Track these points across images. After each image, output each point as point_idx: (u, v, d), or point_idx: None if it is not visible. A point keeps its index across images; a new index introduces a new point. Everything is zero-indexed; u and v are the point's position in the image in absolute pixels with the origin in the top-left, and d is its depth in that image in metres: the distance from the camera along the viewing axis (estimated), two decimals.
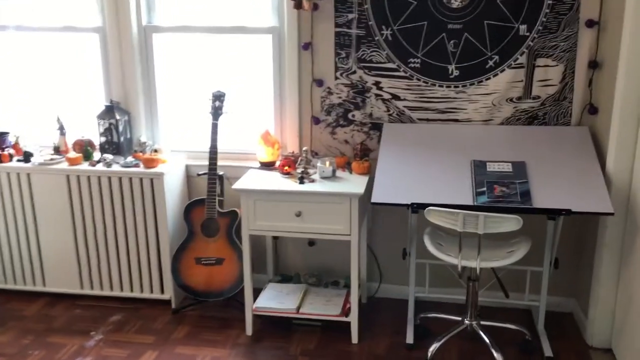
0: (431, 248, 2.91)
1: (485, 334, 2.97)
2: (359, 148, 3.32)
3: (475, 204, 2.79)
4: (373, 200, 2.87)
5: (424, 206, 2.79)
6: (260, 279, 3.66)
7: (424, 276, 3.36)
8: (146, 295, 3.56)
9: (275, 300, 3.32)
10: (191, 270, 3.41)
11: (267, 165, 3.38)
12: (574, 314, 3.43)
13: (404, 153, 3.15)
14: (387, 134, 3.29)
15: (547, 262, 3.11)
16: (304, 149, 3.18)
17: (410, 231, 3.15)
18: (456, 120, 3.31)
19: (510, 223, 2.63)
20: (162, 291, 3.55)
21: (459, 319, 3.07)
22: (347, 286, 3.49)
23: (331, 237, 3.05)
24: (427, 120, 3.34)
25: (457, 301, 3.37)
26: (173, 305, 3.54)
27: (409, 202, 2.83)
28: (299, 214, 3.03)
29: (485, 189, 2.85)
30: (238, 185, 3.09)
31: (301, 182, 3.08)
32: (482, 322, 3.03)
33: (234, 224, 3.36)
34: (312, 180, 3.11)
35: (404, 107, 3.34)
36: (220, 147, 3.40)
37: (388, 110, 3.36)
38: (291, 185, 3.07)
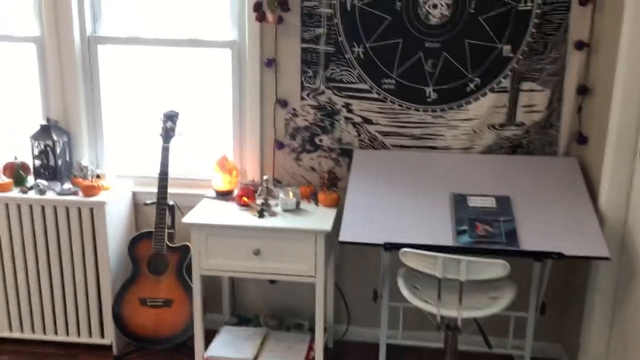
0: (406, 292, 2.58)
1: None
2: (326, 177, 2.98)
3: (456, 244, 2.47)
4: (341, 239, 2.53)
5: (398, 246, 2.46)
6: (215, 320, 3.28)
7: (397, 319, 3.03)
8: (84, 339, 3.14)
9: (231, 347, 2.94)
10: (135, 312, 3.02)
11: (224, 195, 3.02)
12: None
13: (376, 183, 2.82)
14: (358, 161, 2.97)
15: (532, 308, 2.81)
16: (265, 177, 2.83)
17: (383, 271, 2.82)
18: (433, 148, 3.01)
19: (495, 269, 2.32)
20: (102, 335, 3.13)
21: None
22: (312, 329, 3.13)
23: (294, 279, 2.70)
24: (402, 146, 3.03)
25: (433, 346, 3.04)
26: (115, 352, 3.13)
27: (382, 242, 2.50)
28: (257, 252, 2.67)
29: (466, 227, 2.54)
30: (189, 218, 2.72)
31: (261, 216, 2.72)
32: None
33: (184, 260, 2.98)
34: (274, 214, 2.76)
35: (377, 132, 3.03)
36: (172, 173, 3.04)
37: (359, 135, 3.04)
38: (249, 219, 2.71)
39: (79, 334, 3.14)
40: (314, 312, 2.81)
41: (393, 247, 2.49)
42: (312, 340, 3.01)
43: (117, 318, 3.03)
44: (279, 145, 3.09)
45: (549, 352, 3.16)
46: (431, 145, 3.01)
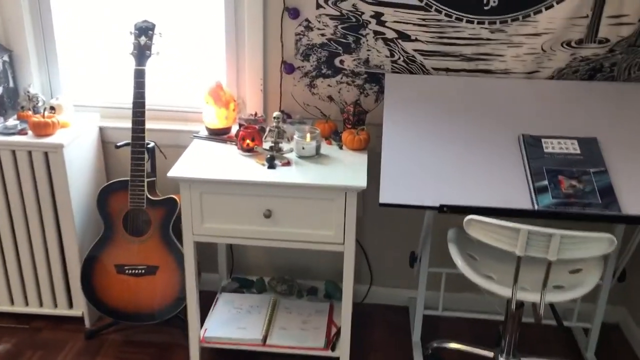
0: (461, 263, 2.00)
1: None
2: (351, 110, 2.31)
3: (537, 208, 1.86)
4: (383, 200, 1.90)
5: (458, 209, 1.86)
6: (210, 281, 2.72)
7: (434, 284, 2.49)
8: (48, 310, 2.54)
9: (232, 324, 2.38)
10: (111, 282, 2.41)
11: (218, 134, 2.35)
12: (622, 327, 2.65)
13: (418, 120, 2.17)
14: (392, 89, 2.29)
15: (609, 274, 2.27)
16: (275, 114, 2.14)
17: (424, 233, 2.23)
18: (488, 72, 2.34)
19: (599, 245, 1.73)
20: (71, 305, 2.54)
21: (490, 355, 2.22)
22: (330, 296, 2.59)
23: (316, 247, 2.09)
24: (447, 70, 2.35)
25: (478, 318, 2.53)
26: (87, 324, 2.55)
27: (437, 204, 1.88)
28: (268, 215, 2.04)
29: (546, 182, 1.92)
30: (176, 170, 2.05)
31: (271, 166, 2.07)
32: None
33: (171, 217, 2.35)
34: (287, 162, 2.11)
35: (415, 50, 2.33)
36: (150, 103, 2.34)
37: (392, 55, 2.35)
38: (256, 170, 2.06)
39: (40, 304, 2.54)
40: (331, 273, 2.27)
41: (451, 210, 1.88)
42: (332, 312, 2.47)
43: (88, 289, 2.42)
44: (288, 68, 2.39)
45: (610, 316, 2.66)
46: (485, 68, 2.33)
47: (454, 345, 2.35)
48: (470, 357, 2.30)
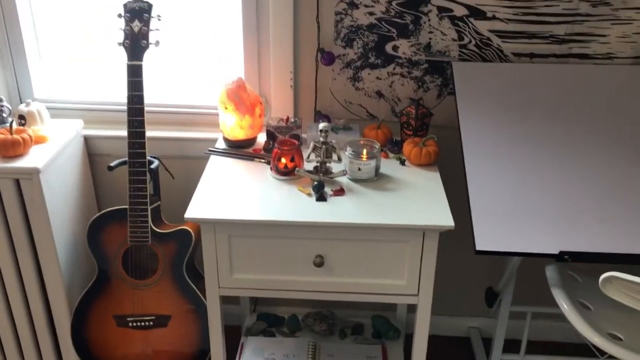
0: (575, 318, 1.53)
1: None
2: (412, 113, 1.79)
3: None
4: (480, 246, 1.41)
5: (586, 258, 1.38)
6: (229, 313, 2.24)
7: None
8: None
9: None
10: (110, 337, 1.91)
11: (241, 146, 1.82)
12: None
13: (506, 127, 1.67)
14: (463, 84, 1.78)
15: None
16: (322, 126, 1.61)
17: (510, 269, 1.76)
18: (583, 57, 1.83)
19: None
20: None
21: None
22: (379, 335, 2.12)
23: (383, 299, 1.61)
24: (531, 55, 1.84)
25: None
26: None
27: (555, 250, 1.40)
28: (320, 263, 1.54)
29: None
30: (195, 209, 1.52)
31: (320, 197, 1.56)
32: None
33: (185, 253, 1.84)
34: (340, 190, 1.60)
35: (491, 31, 1.81)
36: (148, 103, 1.80)
37: (460, 39, 1.82)
38: (302, 203, 1.54)
39: None
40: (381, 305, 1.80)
41: (575, 259, 1.40)
42: (386, 356, 2.01)
43: (82, 348, 1.92)
44: (327, 58, 1.85)
45: None
46: (580, 52, 1.82)
47: None
48: None
